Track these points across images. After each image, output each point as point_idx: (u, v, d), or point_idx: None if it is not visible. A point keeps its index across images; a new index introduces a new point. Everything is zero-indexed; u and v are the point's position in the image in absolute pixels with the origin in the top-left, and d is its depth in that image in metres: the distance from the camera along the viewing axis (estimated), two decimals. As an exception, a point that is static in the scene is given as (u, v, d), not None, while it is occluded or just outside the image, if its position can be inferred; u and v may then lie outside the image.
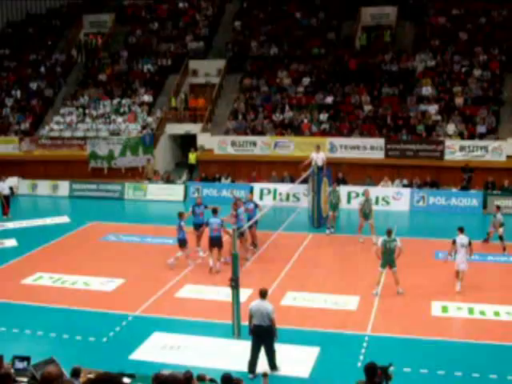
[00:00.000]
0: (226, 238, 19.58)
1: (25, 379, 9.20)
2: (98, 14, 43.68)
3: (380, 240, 17.61)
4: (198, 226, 20.83)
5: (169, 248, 22.23)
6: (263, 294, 12.90)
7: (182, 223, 19.77)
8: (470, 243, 17.52)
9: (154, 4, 43.57)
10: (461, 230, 17.82)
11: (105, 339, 14.73)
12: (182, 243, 19.87)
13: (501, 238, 21.15)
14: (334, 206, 23.97)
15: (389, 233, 17.56)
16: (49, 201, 31.82)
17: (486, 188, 28.00)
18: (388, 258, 17.24)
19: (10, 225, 26.19)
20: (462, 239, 17.54)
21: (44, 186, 32.64)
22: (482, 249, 20.90)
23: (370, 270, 19.37)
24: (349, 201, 28.24)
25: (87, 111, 36.80)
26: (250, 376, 12.73)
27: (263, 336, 12.72)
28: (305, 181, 25.17)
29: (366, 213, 22.44)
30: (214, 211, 20.05)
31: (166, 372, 8.75)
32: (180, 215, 20.05)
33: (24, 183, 32.86)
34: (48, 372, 6.69)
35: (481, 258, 19.99)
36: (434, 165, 29.85)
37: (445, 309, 16.32)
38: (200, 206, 21.39)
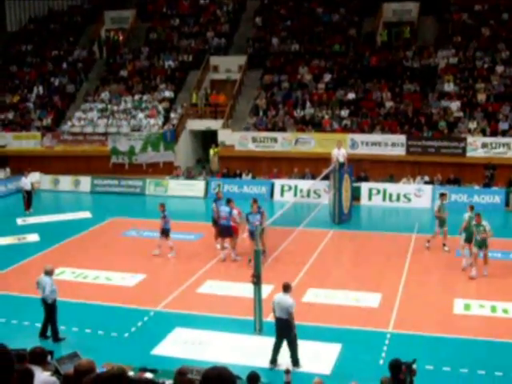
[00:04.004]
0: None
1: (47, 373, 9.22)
2: (119, 10, 43.89)
3: (465, 215, 19.21)
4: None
5: (189, 243, 22.33)
6: (286, 288, 12.99)
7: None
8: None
9: (175, 0, 43.68)
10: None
11: (127, 334, 14.80)
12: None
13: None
14: (443, 222, 21.36)
15: (471, 208, 19.32)
16: (70, 196, 31.98)
17: (509, 185, 27.74)
18: (469, 234, 18.62)
19: (32, 220, 26.38)
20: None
21: (66, 182, 32.84)
22: (504, 246, 20.70)
23: (391, 267, 19.31)
24: (370, 197, 28.17)
25: (108, 107, 36.98)
26: (269, 366, 12.93)
27: (283, 328, 12.84)
28: (326, 177, 25.08)
29: (470, 236, 18.88)
30: (228, 201, 20.57)
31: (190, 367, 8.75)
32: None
33: (46, 178, 33.07)
34: (79, 364, 6.69)
35: (503, 255, 19.81)
36: (456, 162, 29.57)
37: (467, 306, 16.20)
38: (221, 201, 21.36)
